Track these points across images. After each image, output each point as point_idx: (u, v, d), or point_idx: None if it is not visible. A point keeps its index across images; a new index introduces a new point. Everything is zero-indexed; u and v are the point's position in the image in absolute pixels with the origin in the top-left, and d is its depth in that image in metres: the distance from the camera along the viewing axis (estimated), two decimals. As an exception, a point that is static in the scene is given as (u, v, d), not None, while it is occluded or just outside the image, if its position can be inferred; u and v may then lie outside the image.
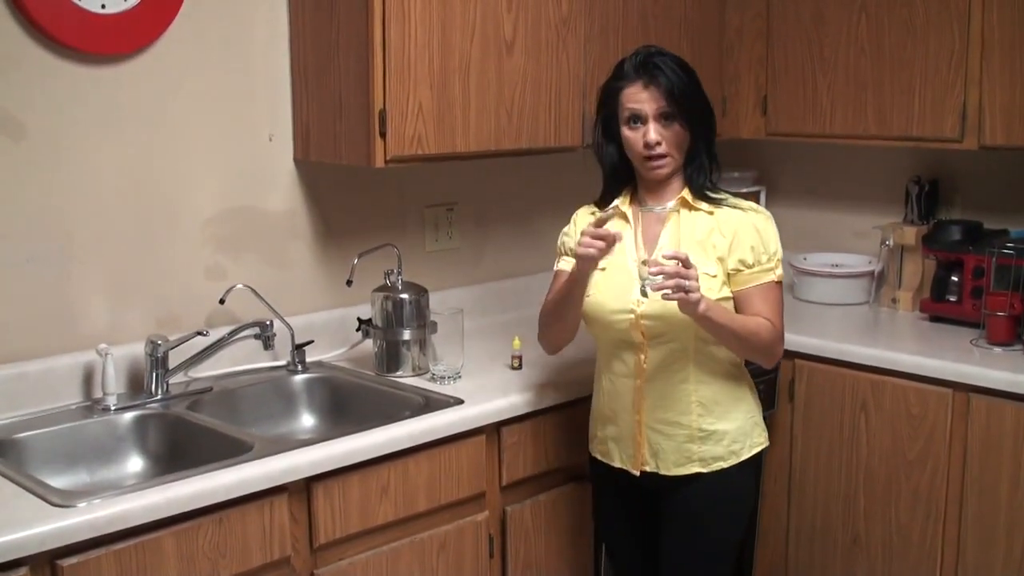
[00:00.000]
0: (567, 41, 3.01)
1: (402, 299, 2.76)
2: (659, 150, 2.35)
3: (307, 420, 2.79)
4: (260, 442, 2.31)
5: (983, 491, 2.88)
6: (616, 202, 2.44)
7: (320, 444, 2.29)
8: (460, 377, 2.71)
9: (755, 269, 2.36)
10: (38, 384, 2.49)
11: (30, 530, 1.87)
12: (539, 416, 2.67)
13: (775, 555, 3.36)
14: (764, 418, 3.19)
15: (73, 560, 1.92)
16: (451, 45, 2.73)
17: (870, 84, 3.33)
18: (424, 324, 2.78)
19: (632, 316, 2.34)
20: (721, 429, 2.40)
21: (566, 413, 2.71)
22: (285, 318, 2.78)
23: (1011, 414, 2.81)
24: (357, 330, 2.88)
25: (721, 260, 2.36)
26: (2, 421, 2.42)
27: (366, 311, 2.86)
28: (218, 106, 2.76)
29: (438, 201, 3.27)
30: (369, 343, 2.85)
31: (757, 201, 3.97)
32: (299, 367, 2.82)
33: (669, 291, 2.13)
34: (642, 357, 2.38)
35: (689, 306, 2.17)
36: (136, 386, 2.62)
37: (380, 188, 3.10)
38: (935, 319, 3.37)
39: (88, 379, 2.56)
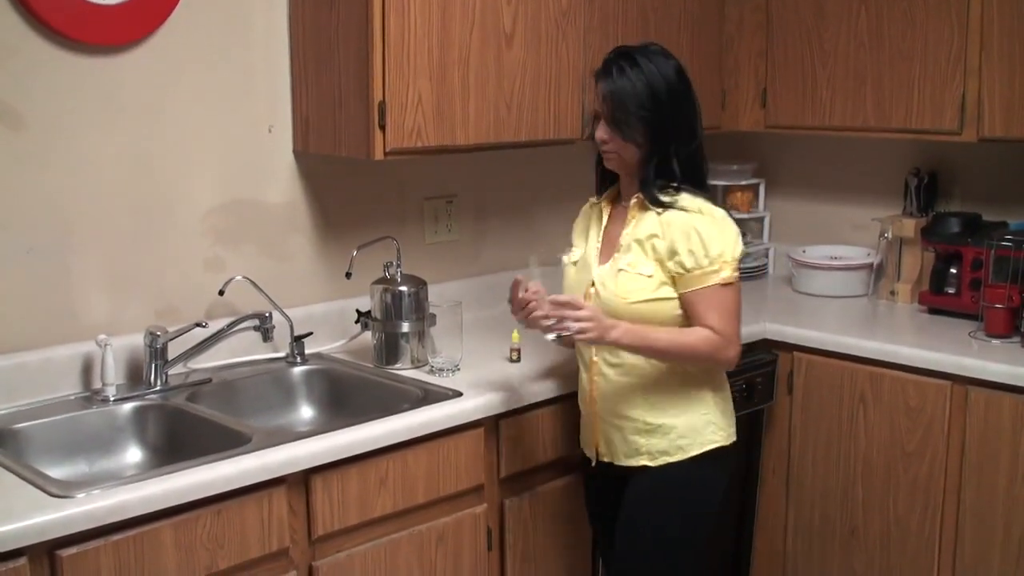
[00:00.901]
0: (567, 33, 3.01)
1: (401, 291, 2.76)
2: (607, 148, 2.41)
3: (306, 412, 2.79)
4: (259, 434, 2.31)
5: (981, 483, 2.89)
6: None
7: (319, 436, 2.30)
8: (459, 370, 2.72)
9: (695, 273, 2.32)
10: (37, 375, 2.50)
11: (29, 520, 1.87)
12: (538, 409, 2.67)
13: (773, 547, 3.37)
14: (761, 412, 3.23)
15: (72, 550, 1.92)
16: (451, 37, 2.73)
17: (869, 77, 3.33)
18: (423, 316, 2.78)
19: None
20: (668, 424, 2.40)
21: (564, 406, 2.71)
22: (284, 310, 2.78)
23: (1009, 406, 2.81)
24: (356, 322, 2.89)
25: (660, 262, 2.35)
26: (1, 412, 2.42)
27: (365, 303, 2.86)
28: (217, 97, 2.76)
29: (437, 193, 3.27)
30: (368, 335, 2.85)
31: (756, 194, 3.98)
32: (298, 359, 2.82)
33: (556, 330, 2.30)
34: (593, 351, 2.45)
35: (590, 340, 2.31)
36: (135, 377, 2.62)
37: (379, 180, 3.10)
38: (934, 311, 3.37)
39: (87, 370, 2.57)
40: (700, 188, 2.41)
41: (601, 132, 2.40)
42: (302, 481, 2.25)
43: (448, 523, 2.52)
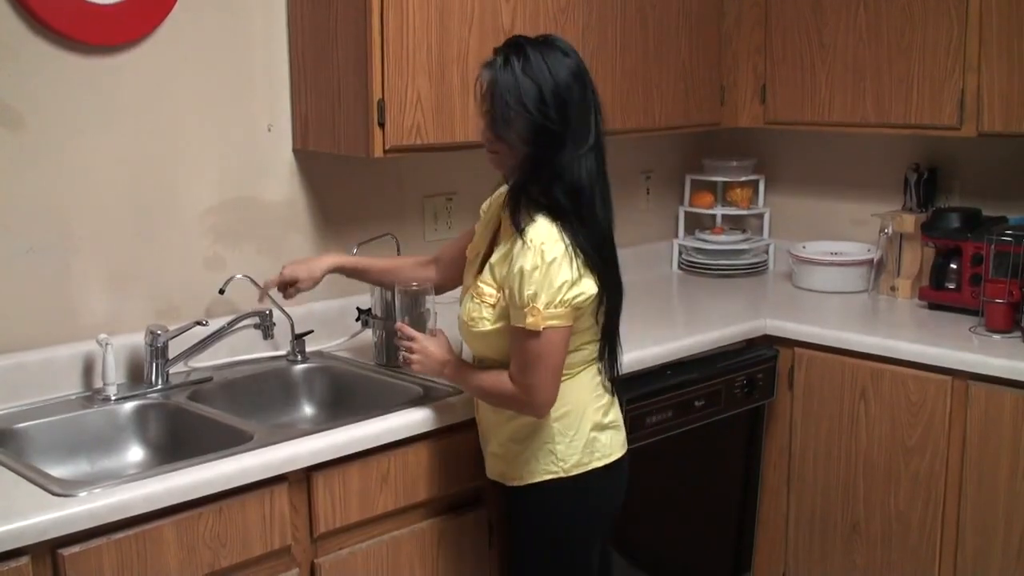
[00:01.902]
0: (565, 30, 3.01)
1: (402, 289, 2.76)
2: (486, 146, 2.26)
3: (307, 410, 2.79)
4: (260, 432, 2.31)
5: (982, 478, 2.89)
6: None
7: (320, 434, 2.30)
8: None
9: (514, 309, 2.16)
10: (38, 374, 2.50)
11: (31, 519, 1.87)
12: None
13: (775, 542, 3.37)
14: (762, 408, 3.23)
15: (74, 549, 1.92)
16: (449, 34, 2.73)
17: (869, 72, 3.33)
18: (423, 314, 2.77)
19: None
20: (510, 451, 2.32)
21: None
22: (284, 308, 2.78)
23: (1010, 401, 2.81)
24: (357, 320, 2.89)
25: (501, 289, 2.22)
26: (2, 411, 2.42)
27: (366, 301, 2.86)
28: (217, 96, 2.76)
29: (437, 191, 3.27)
30: (368, 333, 2.85)
31: (755, 191, 3.98)
32: (299, 357, 2.82)
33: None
34: None
35: (424, 373, 2.39)
36: (136, 376, 2.62)
37: (379, 178, 3.10)
38: (934, 307, 3.37)
39: (88, 369, 2.57)
40: (579, 211, 2.15)
41: (480, 128, 2.23)
42: (303, 479, 2.25)
43: (450, 521, 2.52)
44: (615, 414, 2.38)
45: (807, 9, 3.45)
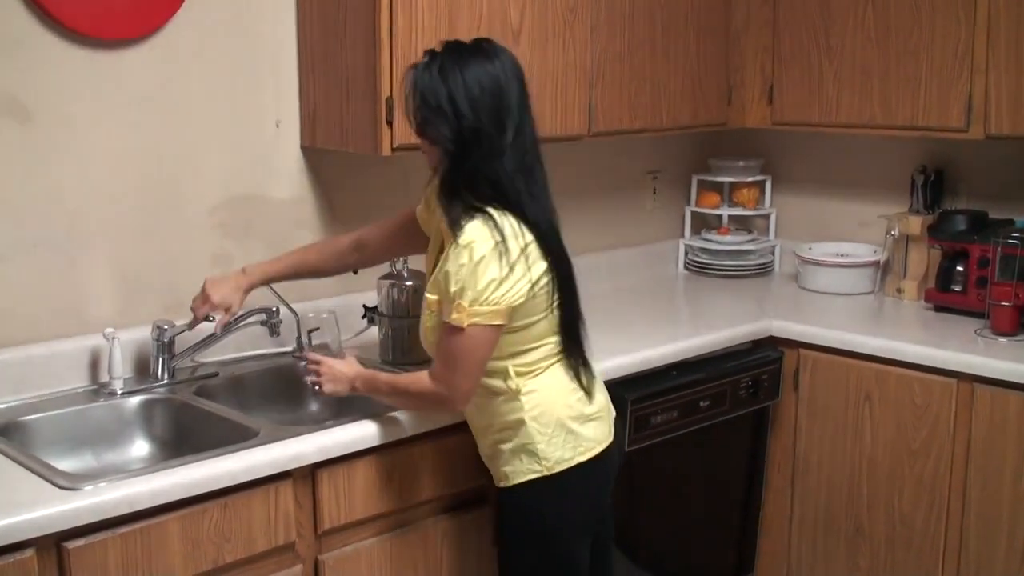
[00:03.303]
0: (574, 30, 3.01)
1: (408, 286, 2.76)
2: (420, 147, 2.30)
3: (312, 406, 2.79)
4: (266, 428, 2.31)
5: (987, 481, 2.89)
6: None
7: (325, 431, 2.30)
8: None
9: (445, 306, 2.18)
10: (45, 368, 2.50)
11: (37, 512, 1.88)
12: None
13: (778, 544, 3.37)
14: (767, 409, 3.23)
15: (79, 542, 1.93)
16: (458, 33, 2.72)
17: (876, 73, 3.33)
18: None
19: None
20: (496, 452, 2.32)
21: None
22: (291, 305, 2.78)
23: (1015, 404, 2.81)
24: (363, 317, 2.89)
25: (436, 286, 2.23)
26: (9, 404, 2.43)
27: (372, 298, 2.86)
28: (225, 92, 2.77)
29: (444, 189, 3.26)
30: (375, 331, 2.86)
31: (762, 191, 3.98)
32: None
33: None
34: None
35: (333, 394, 2.38)
36: (143, 371, 2.63)
37: (387, 176, 3.10)
38: (940, 309, 3.37)
39: (95, 363, 2.58)
40: (507, 206, 2.17)
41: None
42: (309, 475, 2.25)
43: (454, 519, 2.52)
44: (599, 403, 2.35)
45: (815, 10, 3.45)
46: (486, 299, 2.12)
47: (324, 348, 2.50)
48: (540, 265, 2.19)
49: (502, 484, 2.32)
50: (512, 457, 2.28)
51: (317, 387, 2.40)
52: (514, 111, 2.18)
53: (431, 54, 2.20)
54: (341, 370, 2.38)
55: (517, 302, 2.16)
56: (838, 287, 3.62)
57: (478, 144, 2.15)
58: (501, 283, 2.13)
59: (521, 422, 2.24)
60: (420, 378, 2.26)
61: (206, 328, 2.66)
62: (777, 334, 3.26)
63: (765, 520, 3.39)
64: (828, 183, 3.90)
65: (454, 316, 2.14)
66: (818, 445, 3.23)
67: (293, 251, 2.71)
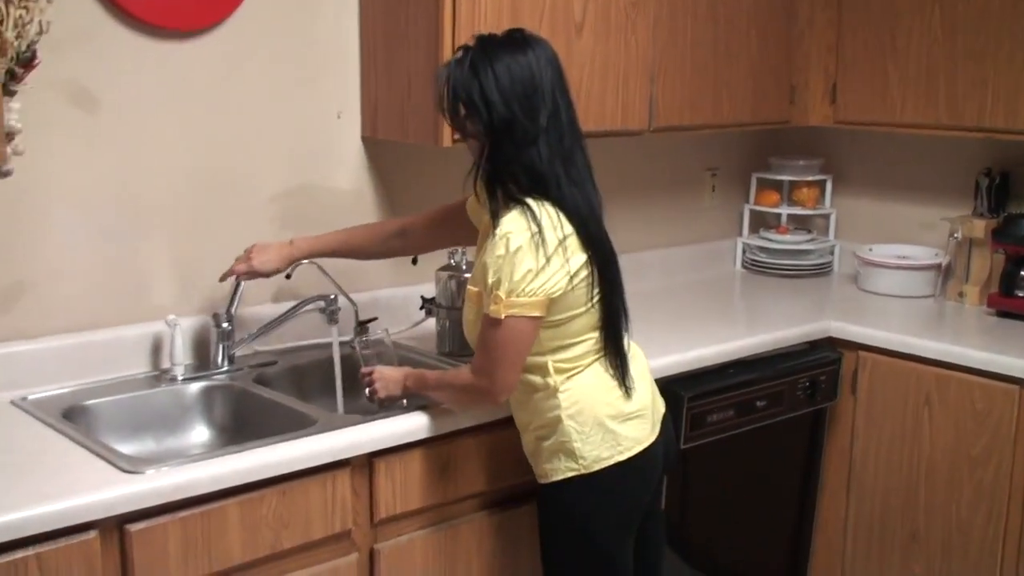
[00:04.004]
0: (636, 24, 3.00)
1: (466, 279, 2.76)
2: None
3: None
4: (323, 416, 2.33)
5: (1048, 490, 2.85)
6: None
7: (383, 420, 2.31)
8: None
9: (484, 299, 2.19)
10: (108, 353, 2.54)
11: (100, 495, 1.90)
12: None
13: (832, 548, 3.34)
14: (824, 411, 3.20)
15: (141, 525, 1.95)
16: (520, 25, 2.72)
17: (942, 74, 3.28)
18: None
19: None
20: (537, 448, 2.31)
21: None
22: (349, 295, 2.79)
23: (1080, 412, 2.77)
24: (420, 308, 2.90)
25: (476, 278, 2.26)
26: (72, 388, 2.46)
27: (430, 290, 2.87)
28: (288, 83, 2.79)
29: (502, 183, 3.26)
30: (432, 322, 2.86)
31: (822, 191, 3.94)
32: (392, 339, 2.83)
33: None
34: None
35: (391, 399, 2.42)
36: (203, 357, 2.66)
37: (446, 168, 3.10)
38: (1002, 314, 3.32)
39: (156, 349, 2.61)
40: (546, 195, 2.16)
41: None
42: (366, 464, 2.27)
43: (507, 513, 2.52)
44: (640, 401, 2.31)
45: (880, 10, 3.41)
46: (523, 290, 2.11)
47: (376, 358, 2.58)
48: (579, 257, 2.17)
49: (542, 480, 2.32)
50: (551, 455, 2.27)
51: (374, 395, 2.44)
52: (547, 96, 2.17)
53: (464, 49, 2.21)
54: (390, 374, 2.44)
55: (555, 293, 2.15)
56: (898, 290, 3.58)
57: (511, 135, 2.15)
58: (538, 274, 2.12)
59: (558, 419, 2.24)
60: (462, 372, 2.29)
61: (263, 313, 2.68)
62: (836, 335, 3.23)
63: (819, 523, 3.36)
64: (890, 184, 3.86)
65: (492, 308, 2.14)
66: (875, 448, 3.19)
67: (340, 230, 2.72)
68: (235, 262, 2.62)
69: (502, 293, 2.11)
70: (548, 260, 2.12)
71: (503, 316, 2.12)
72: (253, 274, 2.61)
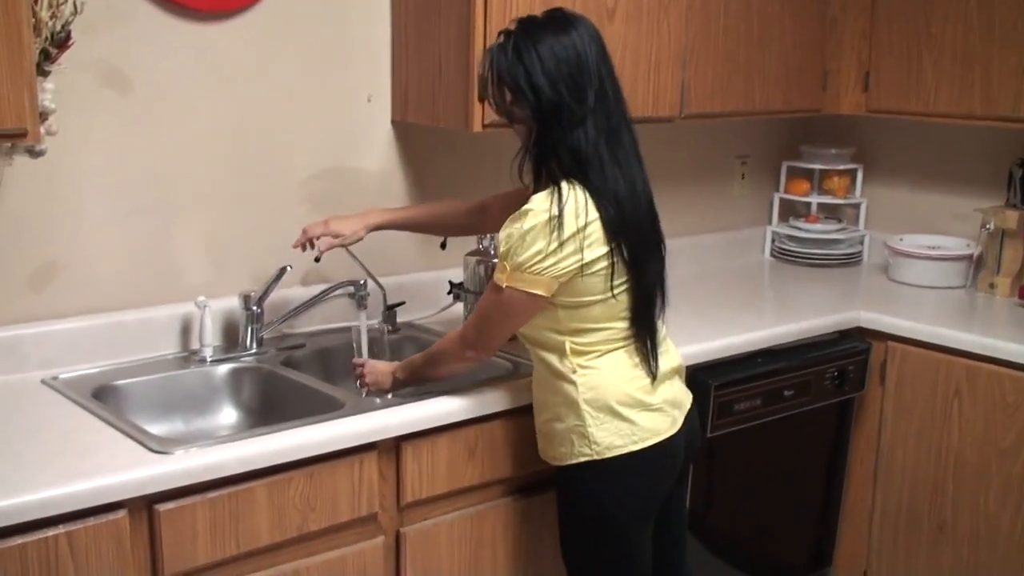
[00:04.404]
0: (668, 10, 2.98)
1: (495, 264, 2.76)
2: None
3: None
4: (351, 399, 2.34)
5: (1078, 483, 2.82)
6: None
7: (410, 404, 2.31)
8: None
9: (499, 264, 2.22)
10: (138, 333, 2.56)
11: (129, 474, 1.92)
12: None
13: (858, 538, 3.32)
14: (852, 400, 3.18)
15: (169, 505, 1.97)
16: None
17: (978, 63, 3.24)
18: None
19: None
20: (551, 430, 2.30)
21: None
22: (378, 279, 2.80)
23: (1112, 406, 2.74)
24: (448, 293, 2.90)
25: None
26: (102, 368, 2.48)
27: (458, 275, 2.87)
28: (318, 66, 2.79)
29: (532, 168, 3.26)
30: (459, 307, 2.87)
31: (853, 180, 3.91)
32: (390, 328, 2.84)
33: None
34: None
35: (380, 391, 2.47)
36: (232, 339, 2.67)
37: (476, 152, 3.11)
38: (1034, 306, 3.30)
39: (186, 330, 2.62)
40: (588, 176, 2.15)
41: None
42: (393, 448, 2.27)
43: (533, 498, 2.52)
44: (663, 395, 2.30)
45: (915, -3, 3.38)
46: (530, 267, 2.13)
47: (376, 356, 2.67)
48: (598, 249, 2.15)
49: (554, 463, 2.32)
50: (564, 438, 2.27)
51: (364, 386, 2.49)
52: (593, 76, 2.16)
53: (505, 34, 2.20)
54: (379, 366, 2.50)
55: (563, 278, 2.14)
56: (929, 280, 3.55)
57: (558, 117, 2.14)
58: (547, 256, 2.12)
59: (574, 402, 2.23)
60: (447, 336, 2.36)
61: (291, 296, 2.69)
62: (865, 325, 3.21)
63: (846, 513, 3.35)
64: (922, 174, 3.82)
65: (497, 275, 2.19)
66: (903, 439, 3.17)
67: (415, 204, 2.70)
68: (308, 226, 2.61)
69: (509, 264, 2.16)
70: (561, 244, 2.12)
71: (504, 285, 2.17)
72: (333, 236, 2.60)
